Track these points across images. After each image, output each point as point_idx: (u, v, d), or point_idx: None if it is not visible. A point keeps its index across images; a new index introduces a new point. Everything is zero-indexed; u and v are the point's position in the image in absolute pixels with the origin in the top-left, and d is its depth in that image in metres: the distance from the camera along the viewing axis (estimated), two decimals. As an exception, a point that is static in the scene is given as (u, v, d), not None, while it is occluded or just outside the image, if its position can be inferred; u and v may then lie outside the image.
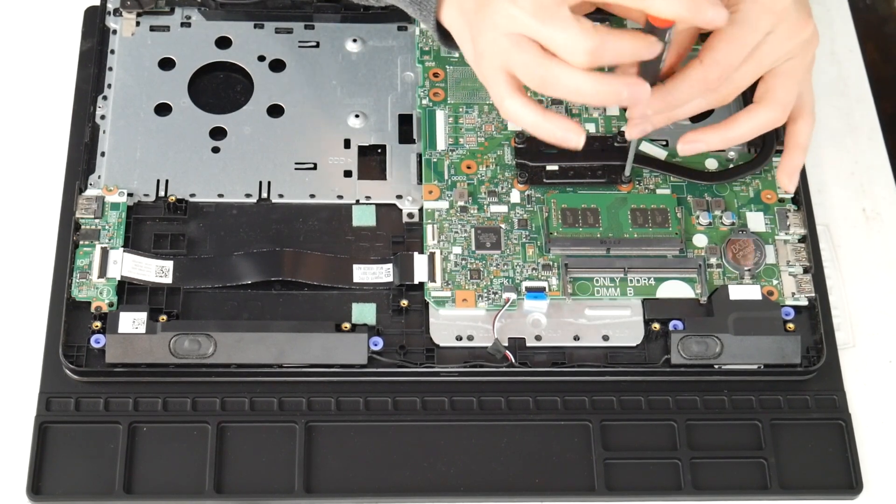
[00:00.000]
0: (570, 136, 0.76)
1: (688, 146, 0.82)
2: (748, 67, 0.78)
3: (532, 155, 0.90)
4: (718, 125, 0.82)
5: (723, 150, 0.91)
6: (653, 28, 0.74)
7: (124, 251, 0.85)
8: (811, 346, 0.86)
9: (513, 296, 0.85)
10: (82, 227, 0.86)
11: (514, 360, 0.84)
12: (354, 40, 0.96)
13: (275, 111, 0.93)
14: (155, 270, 0.85)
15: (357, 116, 0.93)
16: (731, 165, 0.91)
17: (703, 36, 0.79)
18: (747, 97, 0.83)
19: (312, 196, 0.89)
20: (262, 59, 0.95)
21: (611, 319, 0.86)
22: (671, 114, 0.79)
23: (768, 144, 0.91)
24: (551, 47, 0.74)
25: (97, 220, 0.86)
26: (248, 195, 0.89)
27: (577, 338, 0.85)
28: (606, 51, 0.73)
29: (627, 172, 0.89)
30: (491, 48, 0.76)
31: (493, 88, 0.77)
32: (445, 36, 0.81)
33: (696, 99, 0.78)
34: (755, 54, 0.78)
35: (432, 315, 0.85)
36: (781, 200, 0.90)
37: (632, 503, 0.82)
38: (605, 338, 0.85)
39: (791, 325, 0.85)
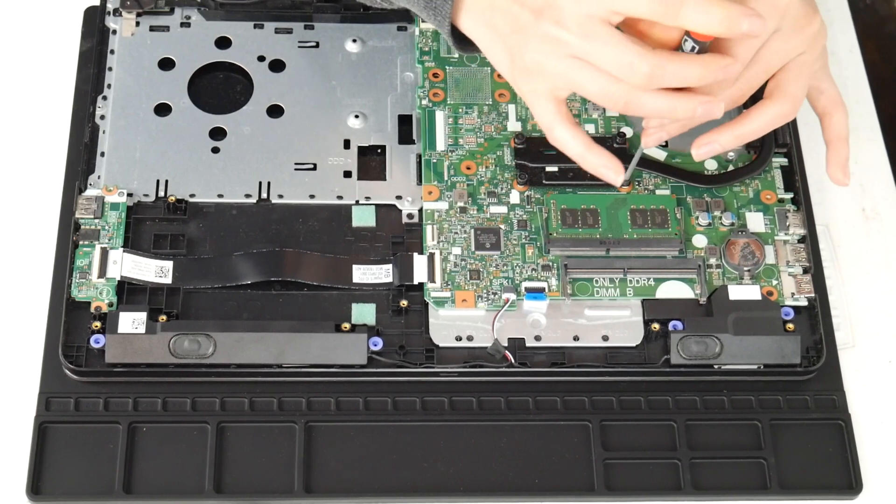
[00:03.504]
0: (611, 174, 0.77)
1: (702, 150, 0.81)
2: (759, 66, 0.77)
3: (532, 156, 0.90)
4: (729, 123, 0.80)
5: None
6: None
7: (124, 251, 0.85)
8: (811, 346, 0.86)
9: (512, 296, 0.85)
10: (82, 227, 0.86)
11: (513, 361, 0.84)
12: (354, 40, 0.96)
13: (275, 111, 0.93)
14: (155, 270, 0.85)
15: (357, 117, 0.93)
16: (731, 167, 0.91)
17: None
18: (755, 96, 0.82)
19: (312, 196, 0.89)
20: (261, 59, 0.95)
21: (610, 320, 0.86)
22: (684, 121, 0.79)
23: (767, 146, 0.91)
24: (607, 69, 0.73)
25: (97, 221, 0.86)
26: (247, 195, 0.89)
27: (576, 338, 0.85)
28: (667, 74, 0.72)
29: (627, 177, 0.89)
30: (537, 72, 0.75)
31: (542, 116, 0.77)
32: (460, 39, 0.80)
33: None
34: (764, 53, 0.77)
35: (432, 315, 0.85)
36: (781, 201, 0.90)
37: (631, 503, 0.82)
38: (605, 338, 0.85)
39: (791, 326, 0.85)
